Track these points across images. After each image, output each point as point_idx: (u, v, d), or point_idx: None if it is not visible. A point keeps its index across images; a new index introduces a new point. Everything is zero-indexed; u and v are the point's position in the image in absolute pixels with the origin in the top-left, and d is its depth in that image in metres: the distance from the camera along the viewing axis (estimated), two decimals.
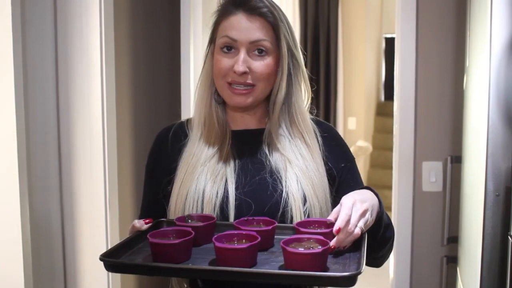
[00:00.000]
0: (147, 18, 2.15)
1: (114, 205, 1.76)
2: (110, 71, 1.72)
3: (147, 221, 1.07)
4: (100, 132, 1.69)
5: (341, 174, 1.19)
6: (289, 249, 0.87)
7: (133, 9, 2.03)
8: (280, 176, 1.13)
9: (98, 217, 1.70)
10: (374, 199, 1.03)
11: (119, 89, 1.84)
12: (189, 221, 1.05)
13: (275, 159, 1.15)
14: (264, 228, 1.01)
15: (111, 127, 1.73)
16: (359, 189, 1.07)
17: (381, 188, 5.45)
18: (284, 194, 1.10)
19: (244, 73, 1.09)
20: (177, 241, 0.92)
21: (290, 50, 1.14)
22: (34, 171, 1.65)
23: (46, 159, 1.70)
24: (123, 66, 1.94)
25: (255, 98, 1.13)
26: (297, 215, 1.09)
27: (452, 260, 2.14)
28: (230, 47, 1.11)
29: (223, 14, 1.14)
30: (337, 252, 0.97)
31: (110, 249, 0.96)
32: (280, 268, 0.90)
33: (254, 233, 0.94)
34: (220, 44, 1.12)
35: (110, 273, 1.72)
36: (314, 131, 1.20)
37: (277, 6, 1.14)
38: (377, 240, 1.06)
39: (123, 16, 1.94)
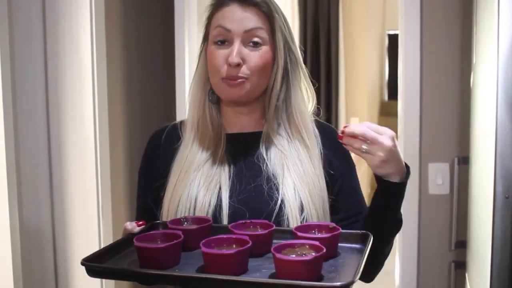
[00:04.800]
0: (140, 16, 2.14)
1: (107, 212, 1.73)
2: (102, 72, 1.70)
3: (140, 223, 1.03)
4: (92, 135, 1.67)
5: (342, 181, 1.14)
6: (278, 255, 0.81)
7: (125, 6, 2.00)
8: (277, 182, 1.08)
9: (90, 224, 1.69)
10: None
11: (112, 90, 1.82)
12: (185, 223, 1.02)
13: (272, 164, 1.10)
14: (258, 232, 0.96)
15: (103, 130, 1.71)
16: None
17: None
18: (279, 202, 1.06)
19: (238, 65, 1.05)
20: (162, 245, 0.89)
21: (286, 43, 1.10)
22: (24, 177, 1.62)
23: (36, 163, 1.67)
24: (115, 66, 1.92)
25: (249, 90, 1.08)
26: (294, 225, 1.04)
27: (460, 266, 2.11)
28: (224, 40, 1.07)
29: (216, 6, 1.11)
30: (336, 258, 0.93)
31: (94, 252, 0.93)
32: (271, 276, 0.85)
33: (246, 238, 0.89)
34: (213, 37, 1.08)
35: (103, 281, 1.71)
36: (315, 133, 1.15)
37: None
38: (390, 223, 1.08)
39: (114, 14, 1.91)
